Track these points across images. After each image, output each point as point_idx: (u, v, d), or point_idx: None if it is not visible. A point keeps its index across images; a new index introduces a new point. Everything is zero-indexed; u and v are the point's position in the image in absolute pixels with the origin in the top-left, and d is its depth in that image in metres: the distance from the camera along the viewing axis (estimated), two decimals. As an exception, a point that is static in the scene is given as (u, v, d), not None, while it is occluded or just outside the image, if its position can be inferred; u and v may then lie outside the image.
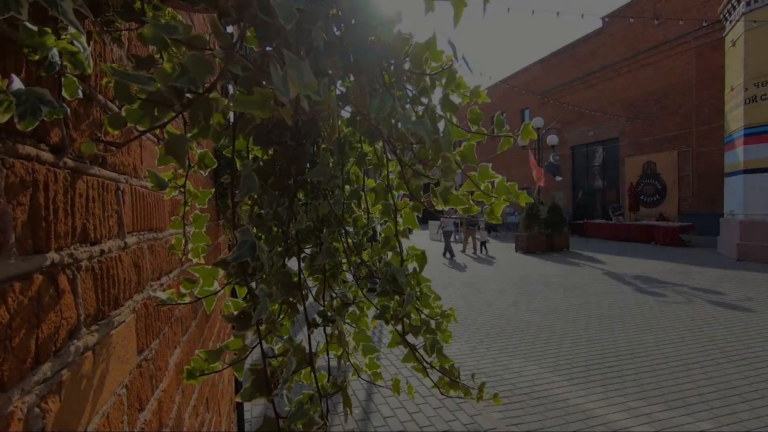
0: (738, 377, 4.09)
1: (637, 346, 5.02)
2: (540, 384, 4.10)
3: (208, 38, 0.51)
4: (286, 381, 0.59)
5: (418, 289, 0.89)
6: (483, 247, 14.82)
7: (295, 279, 0.80)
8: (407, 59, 0.75)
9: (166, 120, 0.47)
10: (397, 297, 0.84)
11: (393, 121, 0.72)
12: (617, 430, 3.22)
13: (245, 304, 0.62)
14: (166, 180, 0.86)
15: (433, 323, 0.91)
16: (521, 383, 4.14)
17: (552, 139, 17.23)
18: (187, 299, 0.75)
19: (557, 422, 3.36)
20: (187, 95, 0.46)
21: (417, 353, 0.89)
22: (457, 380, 0.93)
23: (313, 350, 0.79)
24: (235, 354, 0.70)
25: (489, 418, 3.46)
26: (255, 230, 0.81)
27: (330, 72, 0.64)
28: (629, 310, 6.58)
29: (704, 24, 14.90)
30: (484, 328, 5.98)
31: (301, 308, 0.87)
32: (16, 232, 0.48)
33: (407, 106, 0.80)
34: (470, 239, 14.86)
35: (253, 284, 0.62)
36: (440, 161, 0.75)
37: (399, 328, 0.87)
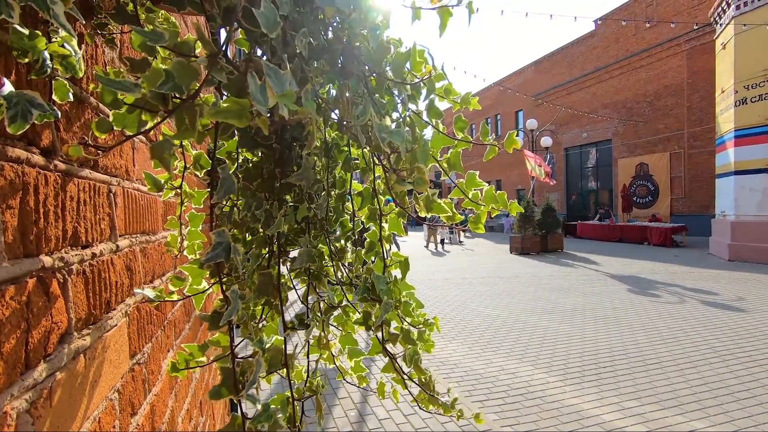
0: (730, 377, 4.12)
1: (631, 346, 5.05)
2: (535, 384, 4.12)
3: (195, 42, 0.51)
4: (253, 383, 0.59)
5: (399, 297, 0.88)
6: (441, 244, 17.61)
7: (282, 280, 0.80)
8: (388, 67, 0.75)
9: (152, 124, 0.47)
10: (377, 304, 0.84)
11: (370, 129, 0.72)
12: (611, 430, 3.24)
13: (220, 305, 0.62)
14: (162, 181, 0.86)
15: (415, 332, 0.90)
16: (516, 384, 4.15)
17: (545, 140, 17.32)
18: (176, 297, 0.75)
19: (552, 423, 3.38)
20: (174, 100, 0.46)
21: (396, 364, 0.88)
22: (433, 394, 0.92)
23: (292, 353, 0.79)
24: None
25: (484, 419, 3.47)
26: (235, 232, 0.81)
27: (314, 78, 0.64)
28: (623, 311, 6.62)
29: (695, 27, 15.09)
30: (479, 329, 5.99)
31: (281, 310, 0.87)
32: (6, 236, 0.48)
33: (395, 113, 0.81)
34: (432, 237, 17.49)
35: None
36: (415, 172, 0.75)
37: (379, 335, 0.86)
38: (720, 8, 12.20)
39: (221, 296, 0.60)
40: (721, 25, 12.39)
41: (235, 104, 0.44)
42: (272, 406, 0.70)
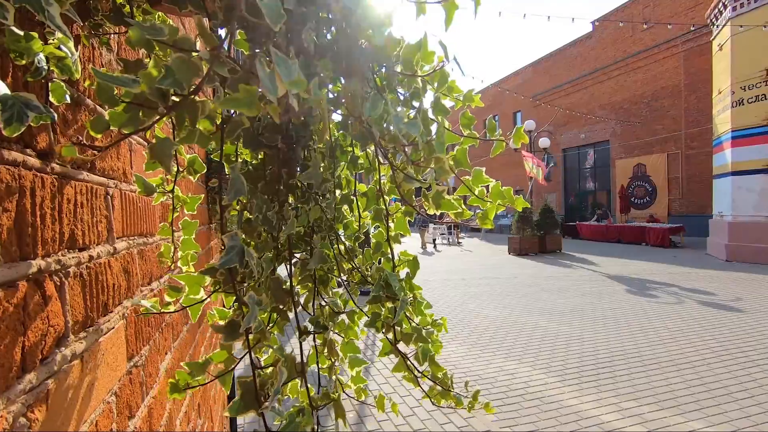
0: (728, 377, 4.13)
1: (629, 347, 5.06)
2: (533, 385, 4.12)
3: (195, 40, 0.51)
4: (277, 393, 0.57)
5: (410, 296, 0.87)
6: (433, 244, 18.48)
7: (285, 286, 0.79)
8: (398, 62, 0.75)
9: (150, 123, 0.47)
10: (388, 304, 0.82)
11: (384, 123, 0.71)
12: (610, 431, 3.24)
13: (231, 313, 0.61)
14: (154, 185, 0.85)
15: (424, 332, 0.89)
16: (515, 385, 4.15)
17: (544, 141, 17.35)
18: (172, 308, 0.74)
19: (551, 424, 3.37)
20: (173, 98, 0.45)
21: (408, 362, 0.87)
22: (450, 389, 0.91)
23: (307, 360, 0.77)
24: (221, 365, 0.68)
25: (483, 420, 3.47)
26: (244, 236, 0.80)
27: (321, 74, 0.64)
28: (621, 311, 6.63)
29: (692, 28, 15.14)
30: (478, 330, 5.99)
31: (291, 315, 0.85)
32: (1, 238, 0.47)
33: (399, 108, 0.80)
34: (423, 237, 18.35)
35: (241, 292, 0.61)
36: (433, 163, 0.74)
37: (390, 336, 0.85)
38: (716, 10, 12.25)
39: (222, 306, 0.59)
40: (717, 26, 12.43)
41: (244, 92, 0.43)
42: (297, 419, 0.68)
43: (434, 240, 18.79)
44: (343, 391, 1.02)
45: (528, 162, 14.71)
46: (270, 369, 0.62)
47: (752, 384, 3.94)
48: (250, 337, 0.59)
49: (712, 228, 12.68)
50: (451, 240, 19.95)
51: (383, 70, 0.74)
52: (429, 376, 0.90)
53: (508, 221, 20.81)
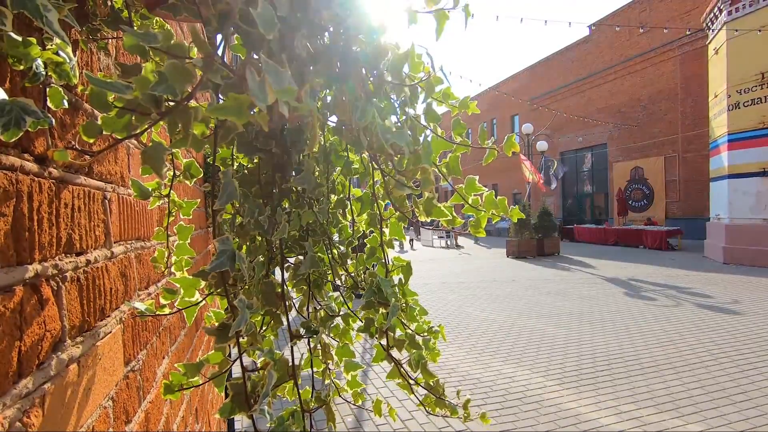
0: (726, 379, 4.13)
1: (628, 350, 5.06)
2: (532, 389, 4.11)
3: (187, 46, 0.51)
4: (266, 396, 0.57)
5: (403, 301, 0.87)
6: (410, 244, 20.72)
7: (279, 289, 0.78)
8: (388, 70, 0.75)
9: (143, 128, 0.47)
10: (382, 310, 0.82)
11: (374, 130, 0.72)
12: (609, 434, 3.23)
13: (226, 316, 0.61)
14: (150, 189, 0.84)
15: (420, 339, 0.88)
16: (513, 388, 4.14)
17: (541, 145, 17.40)
18: (167, 310, 0.73)
19: (549, 427, 3.37)
20: (166, 104, 0.46)
21: (402, 369, 0.86)
22: (442, 397, 0.90)
23: (297, 363, 0.77)
24: (215, 367, 0.68)
25: (481, 424, 3.46)
26: (237, 240, 0.80)
27: (313, 81, 0.64)
28: (619, 314, 6.63)
29: (688, 32, 15.24)
30: (476, 333, 5.99)
31: (284, 319, 0.85)
32: (-1, 243, 0.47)
33: (393, 117, 0.81)
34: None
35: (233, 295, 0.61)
36: (419, 173, 0.75)
37: (383, 342, 0.84)
38: (712, 14, 12.34)
39: (217, 308, 0.59)
40: (713, 30, 12.52)
41: (234, 101, 0.44)
42: (286, 421, 0.68)
43: (411, 240, 21.55)
44: (339, 395, 1.01)
45: (525, 165, 14.75)
46: (261, 372, 0.62)
47: (750, 386, 3.95)
48: (242, 340, 0.59)
49: (709, 231, 12.71)
50: (449, 243, 19.95)
51: (371, 79, 0.75)
52: (422, 384, 0.89)
53: (506, 224, 20.84)
